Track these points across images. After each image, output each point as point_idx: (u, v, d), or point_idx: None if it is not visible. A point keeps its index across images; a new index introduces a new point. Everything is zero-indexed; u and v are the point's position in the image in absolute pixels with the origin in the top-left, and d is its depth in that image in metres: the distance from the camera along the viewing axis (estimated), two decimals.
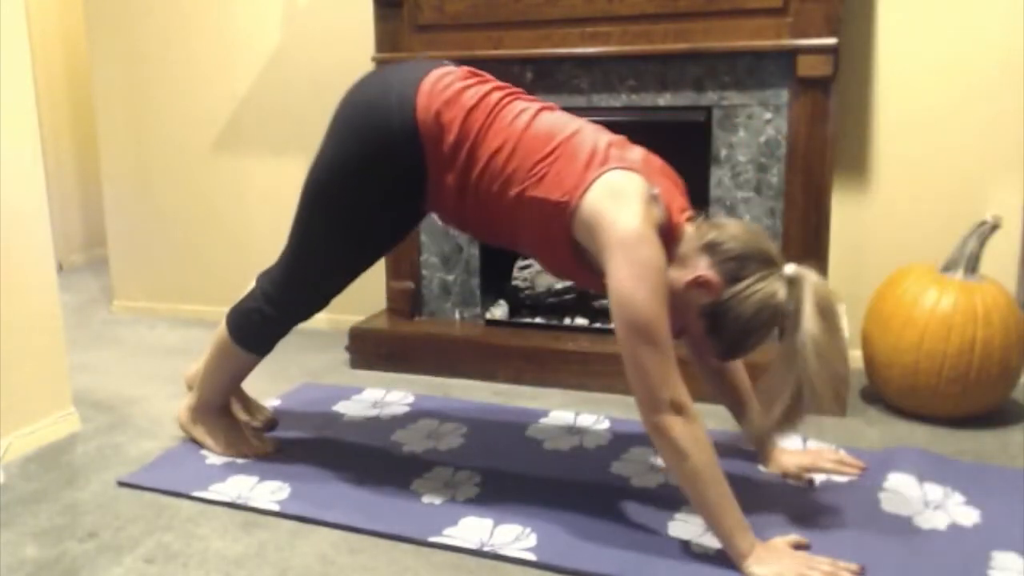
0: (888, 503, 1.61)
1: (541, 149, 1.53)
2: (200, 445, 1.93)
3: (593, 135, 1.56)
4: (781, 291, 1.44)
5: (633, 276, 1.38)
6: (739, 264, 1.44)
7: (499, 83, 1.68)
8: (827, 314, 1.42)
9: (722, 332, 1.48)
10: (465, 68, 1.67)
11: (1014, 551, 1.44)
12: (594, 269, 1.53)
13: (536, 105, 1.62)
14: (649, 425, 1.41)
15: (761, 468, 1.76)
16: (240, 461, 1.86)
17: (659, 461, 1.82)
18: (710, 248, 1.46)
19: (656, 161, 1.59)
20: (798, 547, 1.43)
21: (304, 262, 1.76)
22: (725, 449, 1.81)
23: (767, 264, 1.46)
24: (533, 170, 1.53)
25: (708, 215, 1.52)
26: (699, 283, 1.46)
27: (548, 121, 1.58)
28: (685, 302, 1.48)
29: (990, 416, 2.03)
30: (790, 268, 1.47)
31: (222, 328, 1.86)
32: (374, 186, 1.63)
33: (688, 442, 1.38)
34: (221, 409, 1.94)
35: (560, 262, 1.61)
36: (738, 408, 1.77)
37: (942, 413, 2.02)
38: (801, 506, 1.61)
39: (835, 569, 1.35)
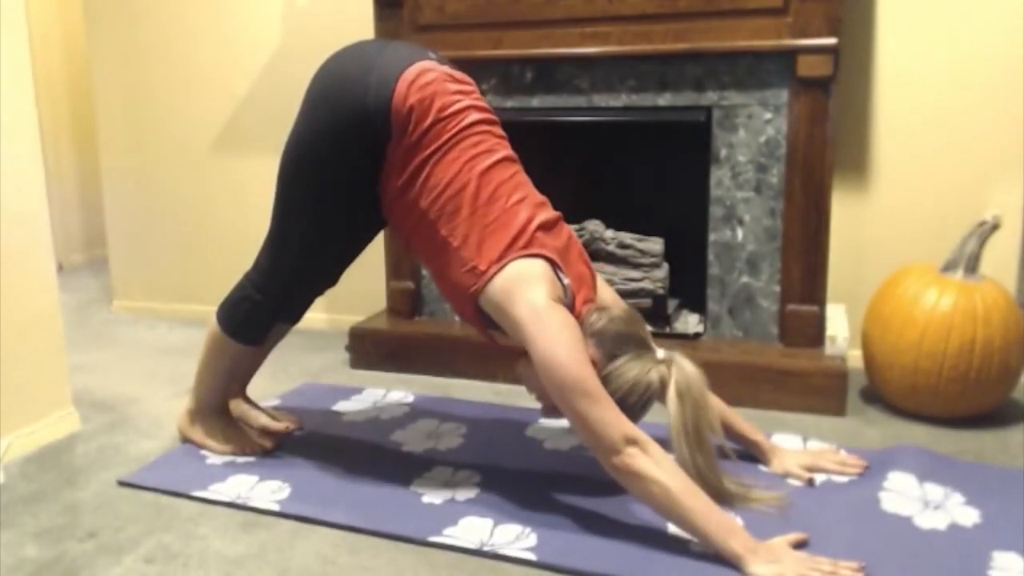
0: (888, 503, 1.61)
1: (483, 204, 1.59)
2: (200, 447, 1.92)
3: (532, 210, 1.62)
4: (654, 369, 1.54)
5: (549, 341, 1.47)
6: (616, 344, 1.54)
7: (477, 100, 1.69)
8: (685, 398, 1.50)
9: None
10: (447, 71, 1.68)
11: (1014, 551, 1.44)
12: (492, 328, 1.63)
13: (500, 153, 1.65)
14: (610, 468, 1.46)
15: (763, 468, 1.76)
16: (240, 461, 1.86)
17: None
18: (593, 330, 1.56)
19: (576, 248, 1.67)
20: (797, 545, 1.43)
21: (285, 243, 1.77)
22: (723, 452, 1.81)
23: (641, 346, 1.56)
24: (468, 220, 1.59)
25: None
26: None
27: (503, 176, 1.63)
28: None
29: (990, 416, 2.03)
30: (661, 352, 1.57)
31: (212, 324, 1.86)
32: (342, 159, 1.65)
33: (649, 468, 1.42)
34: (219, 409, 1.94)
35: (463, 311, 1.66)
36: (724, 427, 1.75)
37: (942, 413, 2.02)
38: (801, 506, 1.61)
39: (836, 568, 1.36)
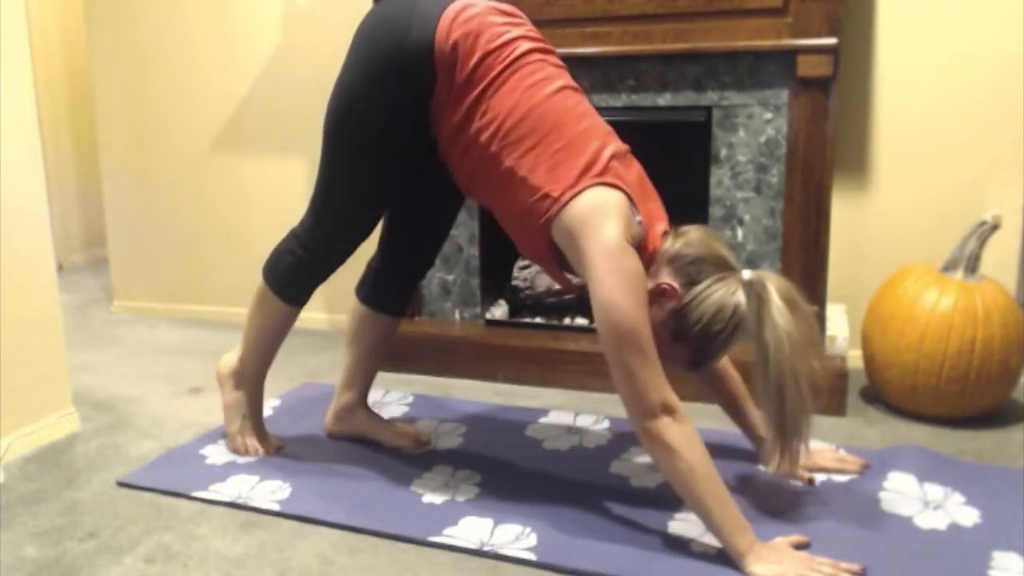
0: (888, 503, 1.61)
1: (549, 131, 1.51)
2: (223, 410, 1.91)
3: (602, 138, 1.55)
4: (739, 291, 1.46)
5: (617, 285, 1.40)
6: (696, 268, 1.48)
7: (529, 31, 1.62)
8: (794, 306, 1.44)
9: (687, 336, 1.50)
10: (492, 5, 1.61)
11: (1014, 551, 1.44)
12: (564, 267, 1.56)
13: (560, 81, 1.58)
14: (640, 430, 1.42)
15: (761, 468, 1.76)
16: (240, 461, 1.86)
17: None
18: (669, 257, 1.50)
19: (647, 183, 1.60)
20: (799, 546, 1.43)
21: (329, 196, 1.70)
22: (724, 450, 1.81)
23: (723, 267, 1.49)
24: (535, 149, 1.51)
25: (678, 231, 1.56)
26: (660, 291, 1.49)
27: (567, 104, 1.55)
28: (652, 315, 1.48)
29: (990, 416, 2.03)
30: (747, 272, 1.49)
31: (259, 282, 1.81)
32: (386, 104, 1.59)
33: (681, 443, 1.39)
34: (258, 376, 1.89)
35: (533, 249, 1.60)
36: (734, 410, 1.77)
37: (942, 413, 2.02)
38: (801, 506, 1.61)
39: (836, 570, 1.35)
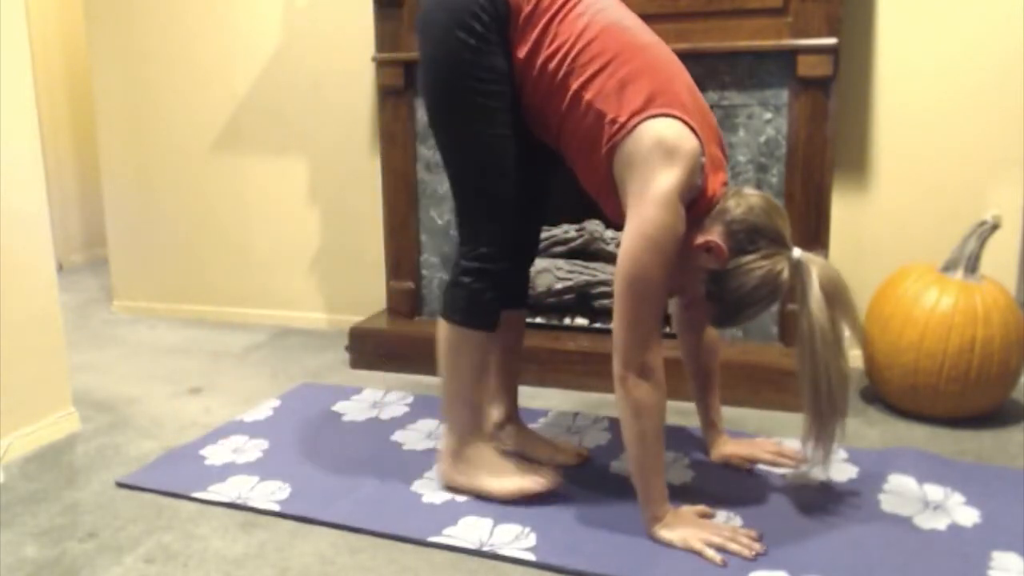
0: (888, 503, 1.61)
1: (617, 55, 1.47)
2: (478, 494, 1.66)
3: (671, 67, 1.51)
4: (785, 271, 1.46)
5: (649, 236, 1.40)
6: (749, 237, 1.46)
7: None
8: (834, 298, 1.44)
9: (722, 299, 1.50)
10: None
11: (1014, 551, 1.44)
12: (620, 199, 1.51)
13: (624, 8, 1.57)
14: (617, 377, 1.45)
15: (702, 456, 1.81)
16: (240, 461, 1.86)
17: None
18: (727, 219, 1.47)
19: (713, 123, 1.56)
20: (703, 516, 1.55)
21: (467, 189, 1.61)
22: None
23: (776, 243, 1.47)
24: (602, 73, 1.47)
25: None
26: (708, 247, 1.47)
27: (635, 29, 1.52)
28: (692, 263, 1.49)
29: (990, 416, 2.03)
30: (798, 252, 1.48)
31: (441, 330, 1.66)
32: (475, 46, 1.51)
33: (644, 405, 1.44)
34: (482, 436, 1.71)
35: (597, 182, 1.55)
36: (700, 390, 1.79)
37: (942, 413, 2.02)
38: (801, 506, 1.61)
39: (735, 535, 1.45)
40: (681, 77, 1.52)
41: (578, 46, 1.49)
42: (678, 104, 1.46)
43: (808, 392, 1.47)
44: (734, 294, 1.47)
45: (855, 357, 2.30)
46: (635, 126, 1.44)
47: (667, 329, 2.32)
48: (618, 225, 1.53)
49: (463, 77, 1.53)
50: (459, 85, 1.54)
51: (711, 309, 1.54)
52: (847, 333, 1.47)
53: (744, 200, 1.48)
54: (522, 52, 1.53)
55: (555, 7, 1.52)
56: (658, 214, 1.39)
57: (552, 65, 1.51)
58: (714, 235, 1.47)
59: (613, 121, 1.46)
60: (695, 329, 1.75)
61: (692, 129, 1.44)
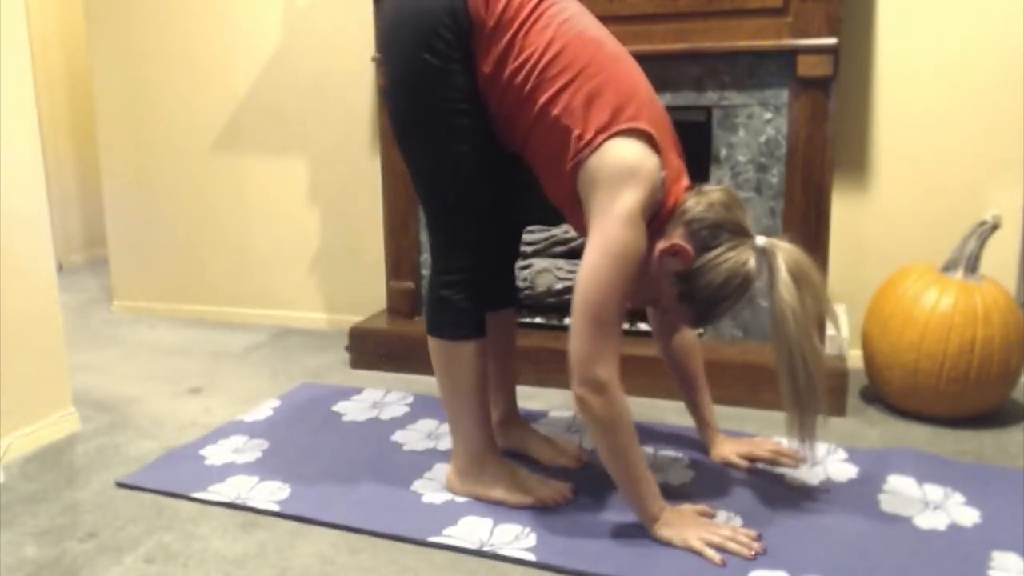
0: (888, 503, 1.61)
1: (584, 69, 1.48)
2: (489, 501, 1.65)
3: (635, 79, 1.52)
4: (751, 260, 1.48)
5: (611, 253, 1.41)
6: (712, 233, 1.47)
7: None
8: (801, 281, 1.46)
9: (693, 298, 1.51)
10: None
11: (1014, 551, 1.44)
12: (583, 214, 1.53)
13: (589, 19, 1.57)
14: (575, 393, 1.46)
15: (702, 457, 1.81)
16: (240, 461, 1.86)
17: (657, 459, 1.82)
18: (688, 219, 1.49)
19: (673, 133, 1.57)
20: (703, 515, 1.54)
21: (436, 200, 1.61)
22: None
23: (738, 234, 1.49)
24: (569, 88, 1.48)
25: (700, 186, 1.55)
26: (672, 251, 1.49)
27: (600, 41, 1.53)
28: (659, 270, 1.51)
29: (990, 416, 2.03)
30: (761, 239, 1.50)
31: (431, 348, 1.66)
32: (437, 62, 1.51)
33: (605, 420, 1.44)
34: (490, 449, 1.68)
35: (561, 195, 1.56)
36: (688, 392, 1.80)
37: (942, 413, 2.02)
38: (801, 506, 1.61)
39: (734, 534, 1.46)
40: (643, 87, 1.54)
41: (544, 59, 1.49)
42: (643, 117, 1.48)
43: (786, 380, 1.48)
44: (705, 291, 1.48)
45: (855, 357, 2.30)
46: (600, 144, 1.46)
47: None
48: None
49: (429, 98, 1.54)
50: (426, 106, 1.55)
51: (685, 310, 1.55)
52: (819, 315, 1.48)
53: (703, 197, 1.50)
54: (487, 66, 1.53)
55: (519, 20, 1.51)
56: (621, 232, 1.42)
57: (519, 79, 1.51)
58: (677, 238, 1.49)
59: (579, 137, 1.47)
60: (672, 333, 1.77)
61: (655, 142, 1.47)
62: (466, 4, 1.50)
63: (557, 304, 2.48)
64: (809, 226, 2.19)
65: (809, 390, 1.48)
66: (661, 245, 1.49)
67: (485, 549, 1.48)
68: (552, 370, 2.32)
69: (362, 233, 2.90)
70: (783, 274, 1.45)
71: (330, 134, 2.89)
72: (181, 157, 3.12)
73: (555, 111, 1.49)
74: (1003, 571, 1.38)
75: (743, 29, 2.16)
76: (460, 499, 1.67)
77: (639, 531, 1.52)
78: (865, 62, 2.35)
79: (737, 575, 1.38)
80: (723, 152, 2.25)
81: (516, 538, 1.52)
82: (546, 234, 2.47)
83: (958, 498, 1.63)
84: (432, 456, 1.88)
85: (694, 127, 2.27)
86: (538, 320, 2.48)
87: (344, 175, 2.90)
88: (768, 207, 2.22)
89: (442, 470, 1.80)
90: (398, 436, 2.00)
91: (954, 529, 1.52)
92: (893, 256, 2.36)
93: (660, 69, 2.25)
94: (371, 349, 2.52)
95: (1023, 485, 1.68)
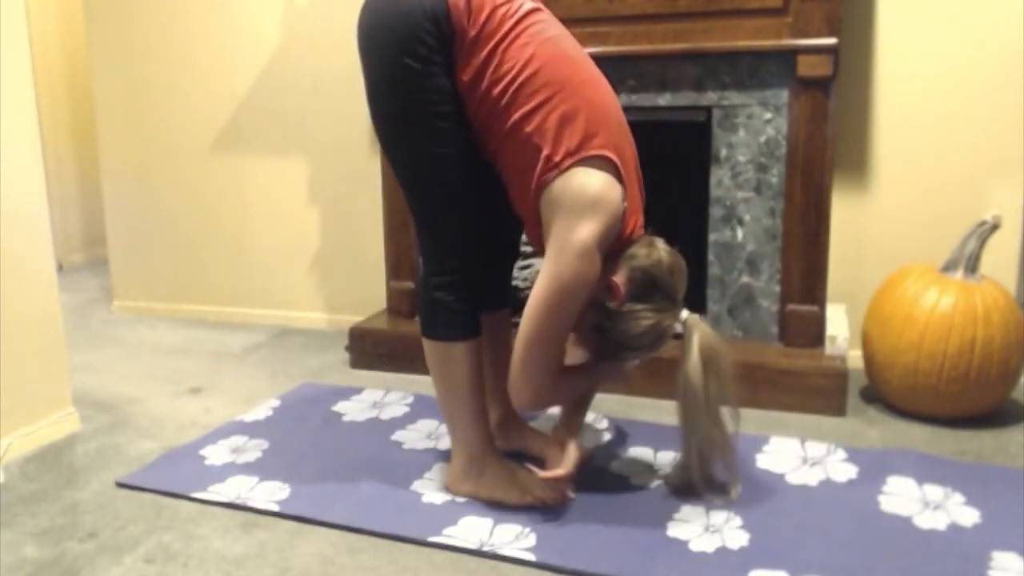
0: (888, 503, 1.62)
1: (560, 89, 1.51)
2: (495, 503, 1.65)
3: (608, 105, 1.56)
4: (672, 328, 1.55)
5: (564, 281, 1.47)
6: (647, 288, 1.53)
7: None
8: (710, 364, 1.53)
9: (606, 335, 1.56)
10: None
11: (1014, 551, 1.44)
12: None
13: (569, 40, 1.60)
14: (513, 400, 1.58)
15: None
16: (240, 461, 1.86)
17: (657, 459, 1.82)
18: (633, 265, 1.53)
19: (636, 163, 1.61)
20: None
21: (428, 216, 1.62)
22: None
23: (669, 299, 1.55)
24: (544, 107, 1.50)
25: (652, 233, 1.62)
26: (608, 286, 1.52)
27: (579, 63, 1.56)
28: (591, 293, 1.53)
29: (990, 416, 2.03)
30: (685, 314, 1.57)
31: (427, 349, 1.67)
32: (419, 73, 1.52)
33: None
34: (490, 449, 1.69)
35: (525, 205, 1.58)
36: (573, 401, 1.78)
37: (942, 413, 2.02)
38: (801, 506, 1.61)
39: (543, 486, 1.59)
40: (615, 113, 1.58)
41: (523, 76, 1.51)
42: (611, 145, 1.52)
43: (685, 437, 1.60)
44: (620, 335, 1.54)
45: (855, 357, 2.30)
46: (567, 168, 1.49)
47: None
48: (536, 248, 1.62)
49: (410, 101, 1.55)
50: (407, 109, 1.56)
51: (593, 339, 1.59)
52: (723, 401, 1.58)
53: (654, 252, 1.55)
54: (466, 75, 1.54)
55: (501, 33, 1.52)
56: (576, 262, 1.46)
57: (496, 91, 1.53)
58: (618, 276, 1.53)
59: (548, 158, 1.50)
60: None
61: (619, 172, 1.51)
62: (448, 12, 1.52)
63: None
64: (809, 226, 2.19)
65: (698, 459, 1.60)
66: (603, 276, 1.52)
67: (485, 549, 1.48)
68: None
69: (362, 233, 2.90)
70: (694, 355, 1.53)
71: (330, 134, 2.89)
72: (181, 157, 3.12)
73: (528, 128, 1.51)
74: (1003, 571, 1.38)
75: (743, 29, 2.16)
76: (460, 499, 1.67)
77: (639, 531, 1.52)
78: (865, 62, 2.35)
79: (737, 575, 1.38)
80: (723, 152, 2.25)
81: (516, 538, 1.52)
82: None
83: (958, 498, 1.63)
84: (432, 456, 1.88)
85: (694, 127, 2.27)
86: None
87: (344, 175, 2.89)
88: (768, 207, 2.22)
89: (442, 470, 1.80)
90: (398, 436, 2.00)
91: (954, 529, 1.52)
92: (893, 256, 2.36)
93: (660, 69, 2.26)
94: (371, 349, 2.52)
95: (1023, 485, 1.68)
